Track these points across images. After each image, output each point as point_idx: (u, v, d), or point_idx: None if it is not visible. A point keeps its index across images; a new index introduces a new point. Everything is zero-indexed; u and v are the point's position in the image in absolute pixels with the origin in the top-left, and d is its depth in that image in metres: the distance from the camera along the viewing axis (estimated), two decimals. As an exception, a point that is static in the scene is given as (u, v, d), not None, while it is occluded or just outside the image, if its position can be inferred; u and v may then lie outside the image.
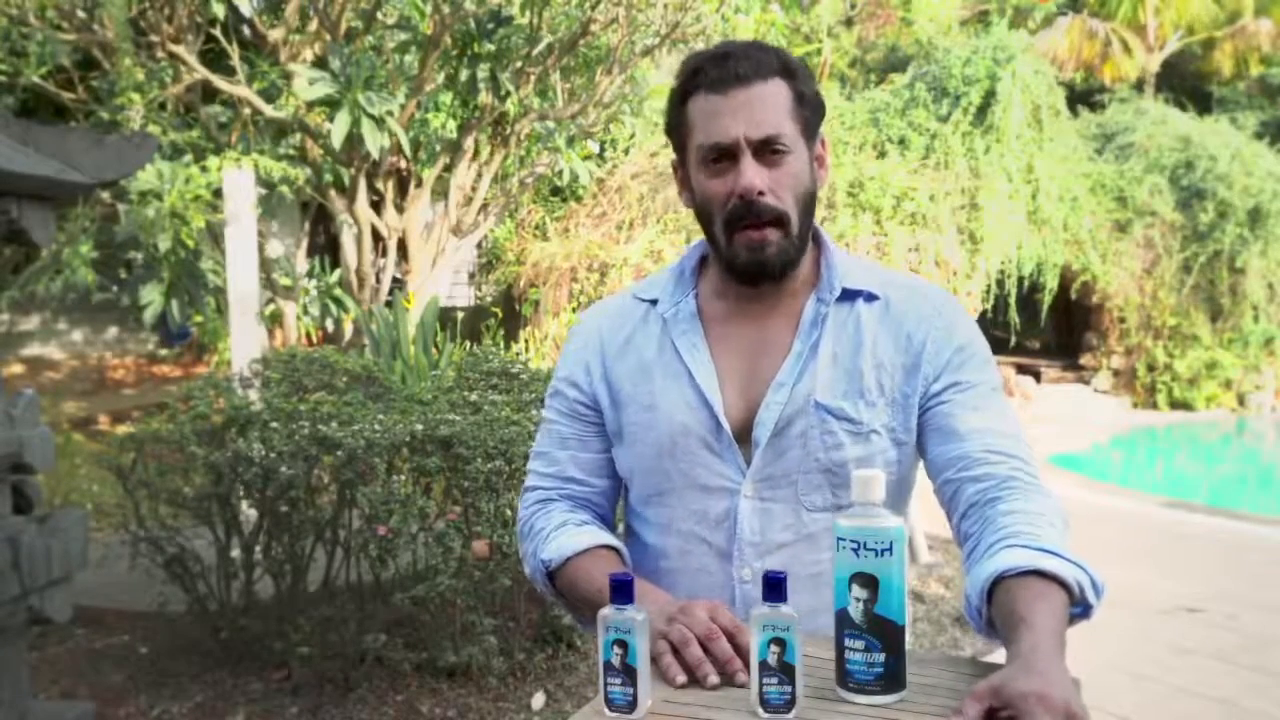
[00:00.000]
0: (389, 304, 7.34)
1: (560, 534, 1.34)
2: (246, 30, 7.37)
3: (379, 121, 6.24)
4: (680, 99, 1.30)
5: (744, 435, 1.30)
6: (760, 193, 1.24)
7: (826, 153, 1.36)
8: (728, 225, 1.27)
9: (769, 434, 1.28)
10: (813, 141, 1.31)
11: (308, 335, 8.15)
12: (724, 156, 1.26)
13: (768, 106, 1.25)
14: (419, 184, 7.98)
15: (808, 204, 1.29)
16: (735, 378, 1.32)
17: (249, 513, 3.87)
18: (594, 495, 1.41)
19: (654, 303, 1.39)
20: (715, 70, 1.26)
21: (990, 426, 1.26)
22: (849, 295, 1.32)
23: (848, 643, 1.04)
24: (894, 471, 1.30)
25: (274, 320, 7.62)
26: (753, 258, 1.27)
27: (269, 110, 6.92)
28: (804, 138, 1.28)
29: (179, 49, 6.63)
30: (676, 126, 1.32)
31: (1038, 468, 1.26)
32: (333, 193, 7.60)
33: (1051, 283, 11.91)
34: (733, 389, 1.32)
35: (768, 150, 1.25)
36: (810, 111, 1.29)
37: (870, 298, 1.33)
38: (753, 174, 1.24)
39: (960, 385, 1.28)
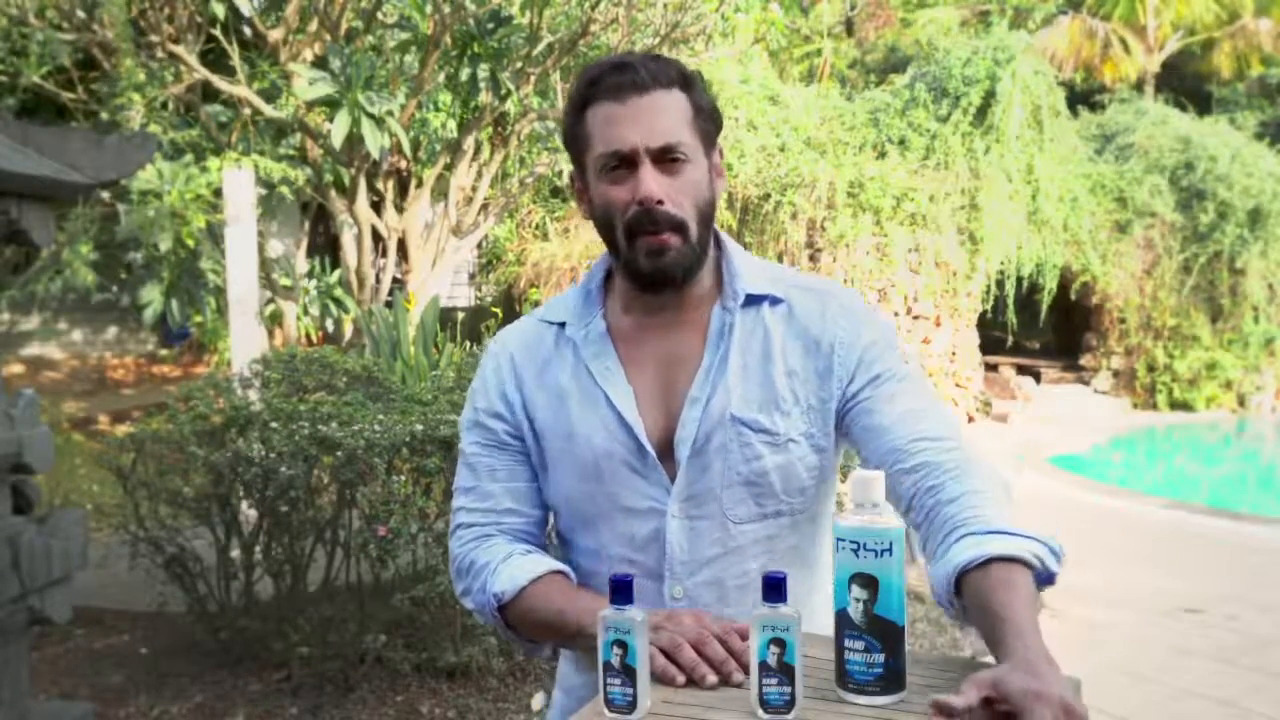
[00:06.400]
0: (389, 304, 7.34)
1: (508, 566, 1.31)
2: (247, 30, 7.37)
3: (379, 121, 6.24)
4: (578, 109, 1.29)
5: (665, 453, 1.30)
6: (659, 201, 1.24)
7: (722, 162, 1.37)
8: (628, 232, 1.27)
9: (689, 452, 1.28)
10: (711, 151, 1.32)
11: (308, 335, 8.16)
12: (623, 164, 1.25)
13: (666, 115, 1.25)
14: (419, 184, 7.98)
15: (706, 212, 1.30)
16: (651, 396, 1.31)
17: (249, 513, 3.87)
18: (530, 526, 1.38)
19: (562, 326, 1.37)
20: (613, 79, 1.25)
21: (911, 409, 1.26)
22: (753, 300, 1.32)
23: (847, 643, 1.04)
24: (816, 476, 1.31)
25: (274, 320, 7.63)
26: (653, 263, 1.27)
27: (269, 110, 6.93)
28: (703, 148, 1.29)
29: (179, 49, 6.63)
30: (575, 138, 1.31)
31: (963, 438, 1.26)
32: (333, 193, 7.60)
33: (1051, 283, 11.91)
34: (650, 408, 1.31)
35: (666, 159, 1.25)
36: (707, 122, 1.30)
37: (775, 301, 1.33)
38: (651, 182, 1.24)
39: (876, 379, 1.28)
